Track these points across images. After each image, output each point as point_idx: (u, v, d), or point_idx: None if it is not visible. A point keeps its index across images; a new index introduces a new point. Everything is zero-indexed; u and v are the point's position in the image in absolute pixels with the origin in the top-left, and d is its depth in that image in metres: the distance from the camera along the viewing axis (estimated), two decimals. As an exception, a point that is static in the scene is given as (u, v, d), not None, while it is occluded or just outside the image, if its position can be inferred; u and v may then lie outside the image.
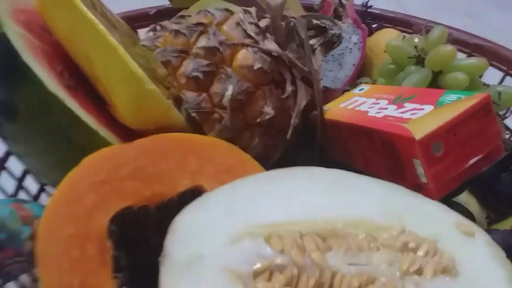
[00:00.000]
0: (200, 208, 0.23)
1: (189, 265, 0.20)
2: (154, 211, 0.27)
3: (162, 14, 0.56)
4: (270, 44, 0.33)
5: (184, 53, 0.32)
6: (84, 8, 0.30)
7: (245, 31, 0.33)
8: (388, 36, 0.51)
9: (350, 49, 0.50)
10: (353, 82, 0.50)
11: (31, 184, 0.40)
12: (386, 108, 0.32)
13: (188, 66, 0.31)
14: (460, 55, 0.50)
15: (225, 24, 0.34)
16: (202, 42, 0.31)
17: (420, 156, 0.26)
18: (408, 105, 0.31)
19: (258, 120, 0.32)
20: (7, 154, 0.40)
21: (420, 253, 0.23)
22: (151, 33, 0.34)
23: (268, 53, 0.32)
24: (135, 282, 0.26)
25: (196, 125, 0.32)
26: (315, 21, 0.38)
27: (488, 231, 0.27)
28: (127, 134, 0.32)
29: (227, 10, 0.35)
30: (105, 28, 0.30)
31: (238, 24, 0.33)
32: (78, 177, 0.26)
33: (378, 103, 0.34)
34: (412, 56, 0.41)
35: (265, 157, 0.34)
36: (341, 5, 0.52)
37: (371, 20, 0.56)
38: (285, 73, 0.33)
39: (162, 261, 0.21)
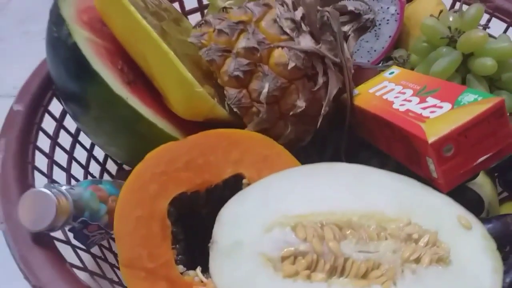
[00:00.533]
0: (240, 202, 0.29)
1: (231, 251, 0.27)
2: (204, 195, 0.33)
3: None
4: (304, 40, 0.36)
5: (227, 52, 0.36)
6: (138, 16, 0.34)
7: (281, 28, 0.36)
8: (426, 5, 0.51)
9: (387, 20, 0.51)
10: (388, 54, 0.51)
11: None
12: (410, 101, 0.35)
13: (230, 66, 0.35)
14: (499, 25, 0.50)
15: (263, 20, 0.37)
16: (243, 42, 0.35)
17: (432, 155, 0.30)
18: (430, 100, 0.34)
19: (291, 113, 0.36)
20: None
21: (421, 243, 0.28)
22: (197, 32, 0.38)
23: (302, 50, 0.35)
24: (190, 251, 0.33)
25: (238, 117, 0.36)
26: (350, 7, 0.40)
27: (489, 219, 0.31)
28: (181, 122, 0.37)
29: (265, 4, 0.37)
30: (158, 33, 0.35)
31: (275, 21, 0.36)
32: (143, 170, 0.32)
33: (404, 93, 0.37)
34: (445, 37, 0.42)
35: (298, 140, 0.39)
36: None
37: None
38: (318, 65, 0.36)
39: (211, 247, 0.27)
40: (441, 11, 0.46)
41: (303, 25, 0.37)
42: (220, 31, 0.36)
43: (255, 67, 0.35)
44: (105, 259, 0.38)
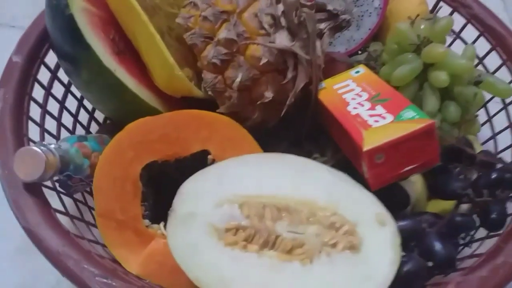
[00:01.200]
0: (199, 179, 0.35)
1: (185, 219, 0.33)
2: (173, 164, 0.39)
3: None
4: (280, 37, 0.40)
5: (208, 38, 0.40)
6: (131, -2, 0.37)
7: (261, 22, 0.40)
8: (409, 3, 0.54)
9: (370, 12, 0.54)
10: (366, 45, 0.55)
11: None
12: (362, 105, 0.40)
13: (210, 52, 0.39)
14: (471, 32, 0.54)
15: (246, 12, 0.40)
16: (224, 33, 0.39)
17: (365, 160, 0.35)
18: (378, 109, 0.39)
19: (259, 102, 0.40)
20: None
21: (341, 231, 0.34)
22: (185, 13, 0.41)
23: (275, 48, 0.39)
24: (158, 209, 0.39)
25: (212, 98, 0.41)
26: (328, 7, 0.44)
27: (405, 217, 0.37)
28: (163, 94, 0.42)
29: (251, -3, 0.41)
30: (148, 11, 0.38)
31: (256, 15, 0.40)
32: (122, 138, 0.37)
33: (360, 96, 0.41)
34: (413, 44, 0.46)
35: (265, 123, 0.44)
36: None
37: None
38: (289, 60, 0.41)
39: (170, 214, 0.33)
40: (417, 16, 0.50)
41: (282, 20, 0.41)
42: (205, 18, 0.40)
43: (232, 57, 0.39)
44: (85, 203, 0.44)
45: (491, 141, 0.51)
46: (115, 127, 0.40)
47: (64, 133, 0.47)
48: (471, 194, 0.38)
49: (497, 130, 0.50)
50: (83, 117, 0.51)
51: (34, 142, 0.40)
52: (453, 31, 0.57)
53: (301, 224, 0.34)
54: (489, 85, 0.48)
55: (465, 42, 0.56)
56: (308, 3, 0.44)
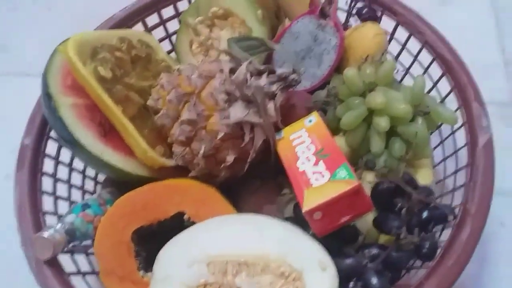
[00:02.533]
0: (173, 244, 0.44)
1: (163, 281, 0.42)
2: (156, 227, 0.48)
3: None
4: (234, 110, 0.47)
5: (174, 118, 0.47)
6: (104, 96, 0.45)
7: (216, 100, 0.47)
8: (364, 36, 0.59)
9: (329, 51, 0.59)
10: (328, 79, 0.60)
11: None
12: (309, 160, 0.47)
13: (176, 131, 0.47)
14: (425, 58, 0.58)
15: (203, 91, 0.47)
16: (186, 114, 0.46)
17: (306, 217, 0.43)
18: (320, 165, 0.45)
19: (223, 165, 0.48)
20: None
21: (289, 279, 0.42)
22: (155, 94, 0.49)
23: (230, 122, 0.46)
24: (150, 258, 0.49)
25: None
26: (278, 72, 0.50)
27: (349, 255, 0.45)
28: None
29: (206, 76, 0.47)
30: (121, 101, 0.46)
31: (211, 94, 0.47)
32: (114, 211, 0.47)
33: (309, 149, 0.48)
34: (359, 89, 0.52)
35: (233, 176, 0.52)
36: (329, 4, 0.58)
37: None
38: (246, 126, 0.48)
39: (151, 277, 0.43)
40: (367, 57, 0.55)
41: (236, 92, 0.47)
42: (170, 101, 0.47)
43: (196, 132, 0.47)
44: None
45: (443, 164, 0.56)
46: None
47: (74, 192, 0.57)
48: (404, 232, 0.45)
49: (447, 153, 0.56)
50: (91, 171, 0.61)
51: (49, 213, 0.50)
52: (411, 55, 0.61)
53: (257, 276, 0.43)
54: (436, 114, 0.53)
55: (422, 66, 0.60)
56: (261, 67, 0.50)
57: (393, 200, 0.48)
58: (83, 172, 0.59)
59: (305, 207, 0.42)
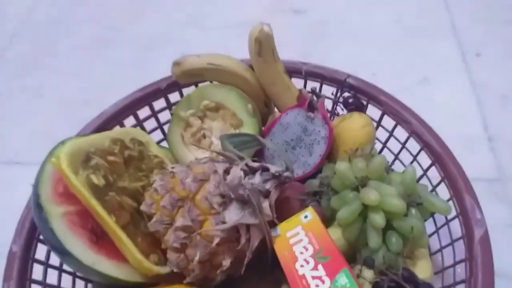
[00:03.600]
0: None
1: None
2: None
3: (171, 86, 0.68)
4: (229, 214, 0.46)
5: (168, 224, 0.47)
6: (99, 208, 0.45)
7: (211, 204, 0.47)
8: (353, 126, 0.60)
9: (318, 141, 0.60)
10: (320, 167, 0.61)
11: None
12: (308, 263, 0.46)
13: (171, 237, 0.46)
14: (414, 145, 0.59)
15: (198, 194, 0.47)
16: (180, 220, 0.46)
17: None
18: (320, 269, 0.45)
19: (218, 270, 0.47)
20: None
21: None
22: (148, 198, 0.48)
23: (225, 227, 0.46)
24: None
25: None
26: (271, 170, 0.50)
27: None
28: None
29: (201, 180, 0.48)
30: (114, 214, 0.46)
31: (206, 198, 0.47)
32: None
33: (307, 249, 0.47)
34: (352, 183, 0.52)
35: (231, 275, 0.51)
36: (316, 98, 0.60)
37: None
38: (241, 229, 0.47)
39: None
40: (356, 149, 0.56)
41: (231, 194, 0.47)
42: (164, 207, 0.47)
43: (190, 239, 0.46)
44: None
45: (439, 253, 0.56)
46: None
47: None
48: (409, 336, 0.44)
49: (443, 242, 0.55)
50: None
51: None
52: (399, 142, 0.63)
53: None
54: (429, 205, 0.53)
55: (411, 153, 0.61)
56: (255, 165, 0.51)
57: (395, 298, 0.47)
58: (74, 274, 0.57)
59: (303, 320, 0.41)
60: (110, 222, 0.45)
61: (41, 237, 0.53)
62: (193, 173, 0.49)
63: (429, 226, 0.58)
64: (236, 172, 0.48)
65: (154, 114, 0.68)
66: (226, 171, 0.50)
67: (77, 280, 0.57)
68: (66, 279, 0.56)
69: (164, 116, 0.70)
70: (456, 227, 0.53)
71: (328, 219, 0.57)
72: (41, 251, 0.54)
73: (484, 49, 0.93)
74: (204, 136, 0.65)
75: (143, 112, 0.68)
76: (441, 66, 0.90)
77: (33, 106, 0.93)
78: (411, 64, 0.91)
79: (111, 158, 0.50)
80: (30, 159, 0.82)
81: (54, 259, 0.54)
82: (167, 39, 1.02)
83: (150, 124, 0.69)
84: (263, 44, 0.61)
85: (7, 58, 1.04)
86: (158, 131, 0.70)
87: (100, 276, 0.47)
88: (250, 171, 0.51)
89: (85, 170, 0.47)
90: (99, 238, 0.48)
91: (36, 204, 0.46)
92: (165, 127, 0.69)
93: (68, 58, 1.02)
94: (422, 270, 0.52)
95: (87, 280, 0.59)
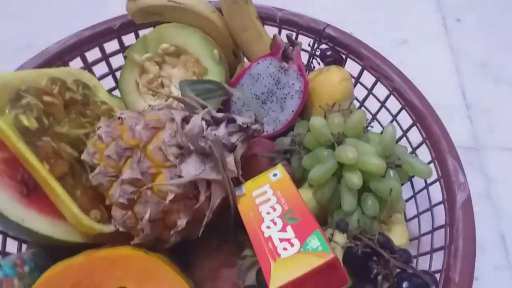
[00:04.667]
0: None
1: None
2: (91, 309, 0.39)
3: (126, 26, 0.59)
4: (187, 167, 0.40)
5: (114, 177, 0.39)
6: (26, 152, 0.37)
7: (165, 155, 0.40)
8: (330, 79, 0.54)
9: (292, 95, 0.54)
10: (292, 124, 0.55)
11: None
12: (275, 224, 0.40)
13: (116, 192, 0.39)
14: (393, 104, 0.54)
15: (150, 144, 0.40)
16: (128, 172, 0.39)
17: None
18: (288, 231, 0.39)
19: (172, 231, 0.41)
20: None
21: None
22: (90, 146, 0.41)
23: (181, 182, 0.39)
24: None
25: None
26: (238, 122, 0.44)
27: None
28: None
29: (154, 127, 0.40)
30: (47, 162, 0.38)
31: (160, 148, 0.40)
32: (36, 289, 0.37)
33: (275, 209, 0.42)
34: (327, 140, 0.47)
35: (187, 237, 0.44)
36: (291, 46, 0.54)
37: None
38: (200, 184, 0.41)
39: None
40: (334, 104, 0.50)
41: (189, 145, 0.41)
42: (108, 156, 0.40)
43: (139, 193, 0.39)
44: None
45: (416, 219, 0.52)
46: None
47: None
48: (383, 306, 0.39)
49: (420, 208, 0.51)
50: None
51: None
52: (378, 101, 0.58)
53: None
54: (409, 167, 0.49)
55: (391, 113, 0.56)
56: (219, 116, 0.44)
57: (368, 265, 0.43)
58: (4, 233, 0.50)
59: (273, 284, 0.36)
60: (40, 170, 0.37)
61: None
62: (145, 120, 0.41)
63: (406, 192, 0.53)
64: (197, 120, 0.41)
65: (105, 57, 0.60)
66: (185, 120, 0.43)
67: (8, 240, 0.50)
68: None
69: (117, 60, 0.61)
70: (434, 193, 0.49)
71: (298, 181, 0.52)
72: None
73: (465, 14, 0.89)
74: (162, 85, 0.58)
75: (92, 55, 0.59)
76: (421, 29, 0.85)
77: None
78: (390, 24, 0.86)
79: (47, 98, 0.42)
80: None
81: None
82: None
83: (101, 69, 0.60)
84: (234, -19, 0.54)
85: None
86: (109, 78, 0.62)
87: (32, 235, 0.39)
88: (213, 122, 0.44)
89: (13, 109, 0.39)
90: (31, 190, 0.41)
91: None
92: (118, 74, 0.61)
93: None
94: (398, 236, 0.48)
95: (20, 240, 0.51)
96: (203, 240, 0.48)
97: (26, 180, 0.41)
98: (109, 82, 0.61)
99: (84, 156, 0.41)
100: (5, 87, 0.39)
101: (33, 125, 0.39)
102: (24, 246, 0.50)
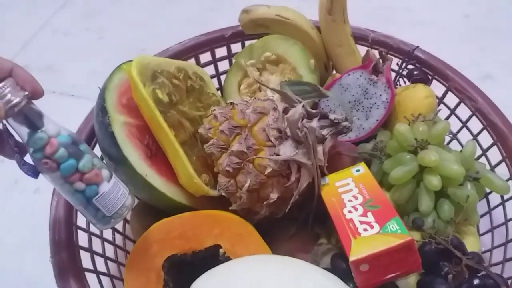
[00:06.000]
0: (207, 278, 0.41)
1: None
2: (189, 257, 0.46)
3: (236, 35, 0.68)
4: (284, 148, 0.46)
5: (224, 149, 0.47)
6: (160, 119, 0.45)
7: (268, 136, 0.46)
8: (416, 95, 0.59)
9: (378, 105, 0.59)
10: (375, 133, 0.60)
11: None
12: (356, 210, 0.45)
13: (224, 161, 0.46)
14: (476, 124, 0.57)
15: (256, 126, 0.47)
16: (236, 145, 0.46)
17: (351, 268, 0.41)
18: (369, 216, 0.44)
19: (265, 202, 0.47)
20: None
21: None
22: (206, 123, 0.49)
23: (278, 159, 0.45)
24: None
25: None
26: (331, 116, 0.50)
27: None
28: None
29: (260, 112, 0.48)
30: (175, 125, 0.46)
31: (263, 129, 0.47)
32: (149, 236, 0.45)
33: (356, 198, 0.46)
34: (411, 145, 0.51)
35: (273, 215, 0.50)
36: (382, 61, 0.59)
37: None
38: (292, 166, 0.47)
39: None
40: (419, 115, 0.54)
41: (287, 131, 0.47)
42: (221, 131, 0.47)
43: (243, 165, 0.46)
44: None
45: (489, 234, 0.54)
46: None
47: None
48: (452, 300, 0.42)
49: (495, 223, 0.53)
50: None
51: (81, 229, 0.49)
52: (460, 121, 0.61)
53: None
54: (487, 181, 0.51)
55: (471, 133, 0.59)
56: (314, 111, 0.50)
57: (440, 264, 0.45)
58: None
59: (353, 256, 0.40)
60: (169, 133, 0.45)
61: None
62: (253, 106, 0.49)
63: (480, 209, 0.56)
64: (298, 110, 0.48)
65: (215, 61, 0.69)
66: (285, 111, 0.49)
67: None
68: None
69: (223, 66, 0.70)
70: (509, 209, 0.51)
71: (377, 185, 0.56)
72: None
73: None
74: (259, 89, 0.65)
75: (204, 58, 0.68)
76: (508, 65, 0.87)
77: (93, 47, 0.96)
78: (475, 60, 0.88)
79: (175, 81, 0.51)
80: (84, 93, 0.85)
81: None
82: (231, 3, 1.03)
83: (209, 71, 0.69)
84: (335, 2, 0.61)
85: (73, 1, 1.07)
86: (215, 80, 0.71)
87: (149, 189, 0.47)
88: (308, 116, 0.50)
89: (152, 85, 0.48)
90: (153, 155, 0.49)
91: (101, 107, 0.47)
92: (222, 78, 0.70)
93: (131, 6, 1.05)
94: (470, 245, 0.50)
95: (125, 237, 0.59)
96: (283, 227, 0.53)
97: (150, 146, 0.49)
98: (214, 84, 0.70)
99: (201, 130, 0.49)
100: (147, 66, 0.48)
101: (165, 99, 0.48)
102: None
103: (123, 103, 0.49)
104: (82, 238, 0.49)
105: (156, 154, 0.49)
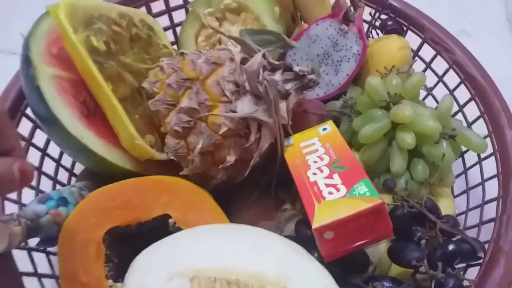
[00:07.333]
0: (151, 252, 0.36)
1: (136, 294, 0.34)
2: (135, 229, 0.40)
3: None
4: (241, 104, 0.40)
5: (171, 105, 0.41)
6: (94, 70, 0.39)
7: (223, 90, 0.41)
8: (389, 47, 0.54)
9: (348, 58, 0.53)
10: (344, 89, 0.55)
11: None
12: (322, 171, 0.40)
13: (172, 120, 0.40)
14: (452, 79, 0.53)
15: (209, 78, 0.41)
16: (185, 101, 0.40)
17: (315, 236, 0.36)
18: (335, 178, 0.39)
19: (221, 166, 0.41)
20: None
21: (286, 305, 0.35)
22: (151, 77, 0.42)
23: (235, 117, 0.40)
24: (122, 267, 0.41)
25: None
26: (295, 68, 0.44)
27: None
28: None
29: (214, 63, 0.41)
30: (113, 78, 0.40)
31: (218, 83, 0.41)
32: (85, 205, 0.39)
33: (322, 159, 0.42)
34: (383, 100, 0.46)
35: (231, 179, 0.45)
36: (354, 9, 0.53)
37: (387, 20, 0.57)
38: (252, 124, 0.41)
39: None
40: (392, 67, 0.49)
41: (246, 85, 0.41)
42: (168, 85, 0.41)
43: (194, 124, 0.40)
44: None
45: (464, 195, 0.50)
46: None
47: (45, 182, 0.49)
48: (425, 266, 0.38)
49: (471, 184, 0.50)
50: (66, 160, 0.53)
51: (10, 200, 0.42)
52: (436, 75, 0.56)
53: (249, 299, 0.35)
54: (464, 139, 0.47)
55: (448, 88, 0.55)
56: (276, 62, 0.44)
57: (412, 229, 0.42)
58: (57, 161, 0.52)
59: (316, 223, 0.36)
60: (104, 87, 0.39)
61: (28, 112, 0.47)
62: (206, 56, 0.42)
63: (455, 169, 0.52)
64: (256, 60, 0.42)
65: (169, 10, 0.61)
66: (244, 62, 0.43)
67: (61, 170, 0.52)
68: (49, 166, 0.51)
69: (179, 17, 0.63)
70: (488, 171, 0.48)
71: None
72: (25, 129, 0.48)
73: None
74: (219, 42, 0.59)
75: (157, 7, 0.61)
76: (484, 22, 0.82)
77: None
78: (451, 16, 0.83)
79: (116, 28, 0.44)
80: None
81: (40, 139, 0.49)
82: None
83: (162, 22, 0.62)
84: None
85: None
86: (169, 33, 0.64)
87: (87, 153, 0.41)
88: (270, 68, 0.45)
89: (86, 31, 0.41)
90: (91, 113, 0.43)
91: (25, 58, 0.40)
92: (178, 30, 0.63)
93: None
94: (444, 208, 0.46)
95: (71, 172, 0.53)
96: (243, 192, 0.49)
97: (87, 103, 0.43)
98: (169, 36, 0.63)
99: (144, 84, 0.43)
100: (82, 9, 0.41)
101: (102, 48, 0.41)
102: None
103: (53, 53, 0.42)
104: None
105: (95, 112, 0.43)
